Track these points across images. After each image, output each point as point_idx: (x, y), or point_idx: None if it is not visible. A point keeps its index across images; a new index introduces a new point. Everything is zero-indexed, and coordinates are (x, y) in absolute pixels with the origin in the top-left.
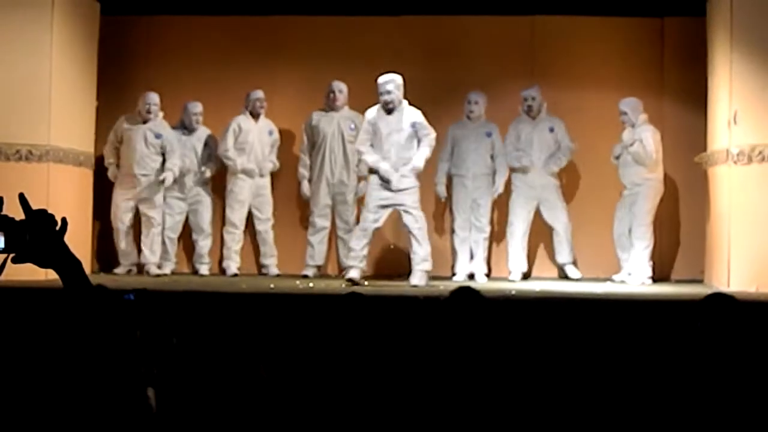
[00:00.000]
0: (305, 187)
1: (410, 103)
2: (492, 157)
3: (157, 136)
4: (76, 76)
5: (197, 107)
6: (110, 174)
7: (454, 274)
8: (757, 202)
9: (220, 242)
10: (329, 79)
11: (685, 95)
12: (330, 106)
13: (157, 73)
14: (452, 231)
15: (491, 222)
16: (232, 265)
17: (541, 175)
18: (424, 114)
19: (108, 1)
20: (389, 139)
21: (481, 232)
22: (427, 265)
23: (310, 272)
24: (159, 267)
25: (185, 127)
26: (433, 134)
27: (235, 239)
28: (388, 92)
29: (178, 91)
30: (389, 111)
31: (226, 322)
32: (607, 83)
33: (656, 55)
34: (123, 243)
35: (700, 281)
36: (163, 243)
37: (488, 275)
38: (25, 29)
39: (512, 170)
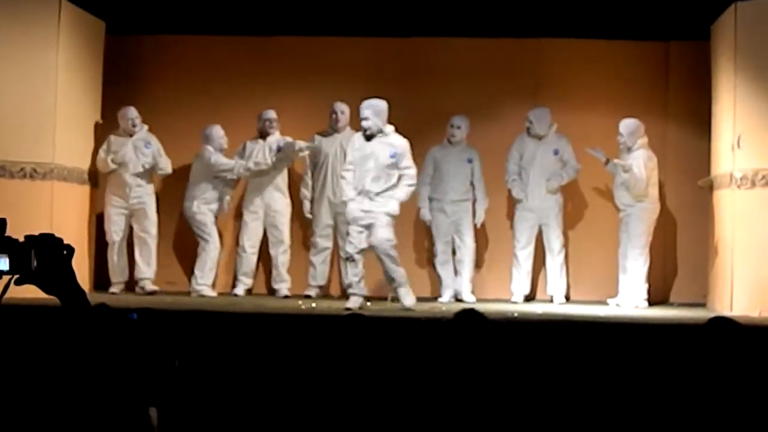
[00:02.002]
0: (307, 207)
1: (396, 130)
2: (472, 183)
3: (147, 145)
4: (81, 94)
5: (220, 131)
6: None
7: (440, 296)
8: (760, 226)
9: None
10: (335, 99)
11: (689, 119)
12: (333, 127)
13: (161, 92)
14: (434, 255)
15: (487, 241)
16: (240, 286)
17: (541, 198)
18: (426, 138)
19: (113, 21)
20: (364, 166)
21: (466, 249)
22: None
23: (312, 293)
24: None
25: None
26: (411, 170)
27: (242, 261)
28: (365, 118)
29: (182, 111)
30: (368, 138)
31: (226, 343)
32: (612, 106)
33: (661, 79)
34: (115, 258)
35: (702, 305)
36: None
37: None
38: (31, 47)
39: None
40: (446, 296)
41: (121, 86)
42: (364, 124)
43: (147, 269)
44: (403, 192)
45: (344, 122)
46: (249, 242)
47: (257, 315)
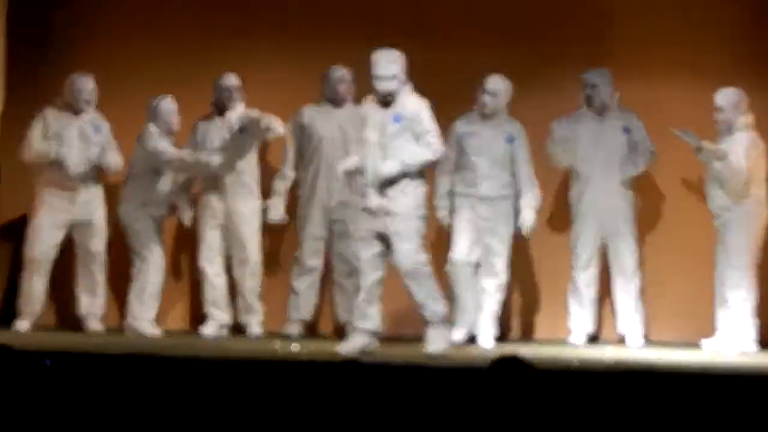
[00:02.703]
0: (274, 207)
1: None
2: (512, 173)
3: (96, 131)
4: None
5: (170, 106)
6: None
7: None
8: None
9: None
10: (327, 61)
11: None
12: (329, 99)
13: (91, 53)
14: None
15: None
16: (210, 323)
17: (610, 195)
18: (450, 114)
19: None
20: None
21: (493, 277)
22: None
23: (293, 330)
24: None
25: (166, 133)
26: (432, 136)
27: (205, 288)
28: (391, 77)
29: (119, 78)
30: (387, 104)
31: (173, 399)
32: (701, 71)
33: None
34: (37, 283)
35: None
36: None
37: (503, 336)
38: None
39: (573, 183)
40: (459, 333)
41: (32, 44)
42: (385, 86)
43: (91, 302)
44: (412, 155)
45: (344, 93)
46: (208, 260)
47: (217, 362)
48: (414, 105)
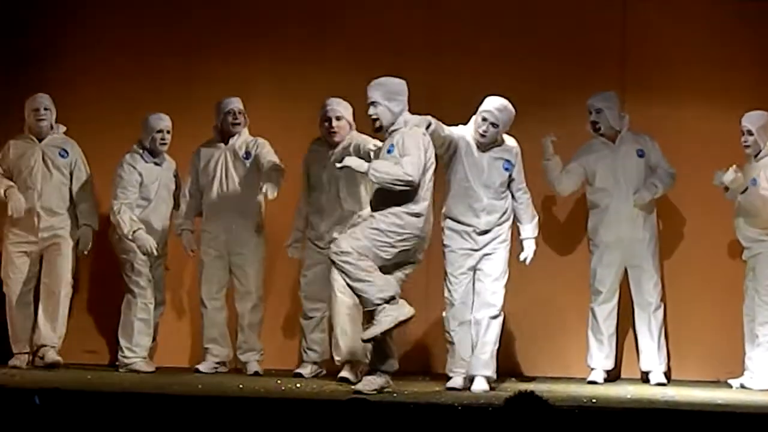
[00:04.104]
0: (296, 246)
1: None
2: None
3: (63, 154)
4: None
5: (159, 122)
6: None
7: (450, 377)
8: None
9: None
10: (334, 84)
11: None
12: (325, 137)
13: (71, 69)
14: (450, 305)
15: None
16: (209, 358)
17: (632, 224)
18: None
19: None
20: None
21: (487, 307)
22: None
23: (305, 370)
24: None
25: (151, 152)
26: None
27: (204, 322)
28: (372, 103)
29: (105, 99)
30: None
31: None
32: (729, 93)
33: None
34: (19, 318)
35: None
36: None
37: (524, 376)
38: None
39: (590, 212)
40: (458, 378)
41: (13, 61)
42: (372, 112)
43: (51, 332)
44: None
45: (342, 131)
46: (208, 294)
47: (212, 399)
48: None
